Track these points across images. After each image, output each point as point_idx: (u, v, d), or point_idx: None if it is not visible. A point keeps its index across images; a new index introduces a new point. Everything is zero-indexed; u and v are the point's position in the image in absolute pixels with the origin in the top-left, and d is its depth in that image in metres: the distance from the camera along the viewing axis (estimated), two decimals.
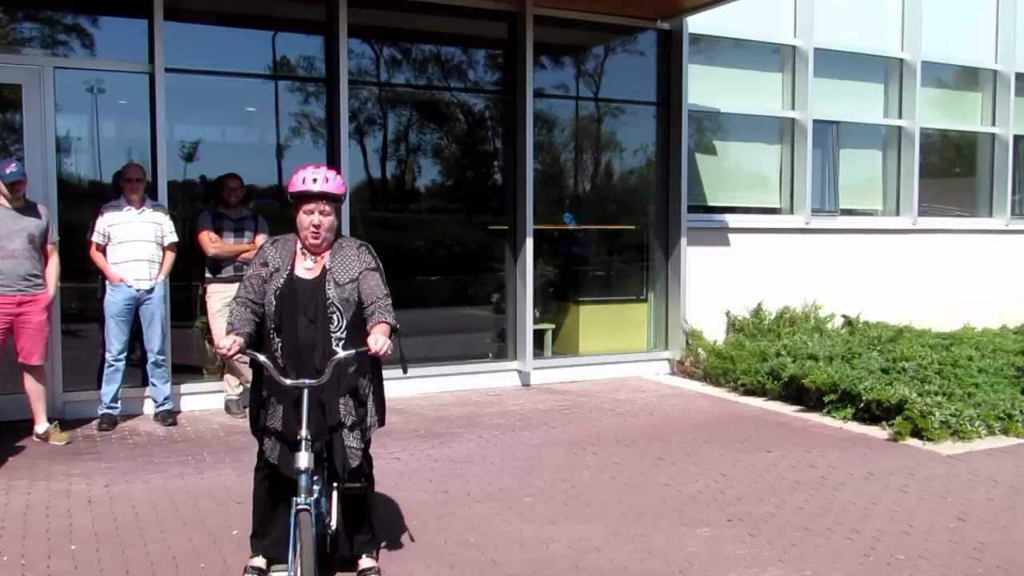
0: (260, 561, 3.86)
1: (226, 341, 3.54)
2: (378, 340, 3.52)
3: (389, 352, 3.57)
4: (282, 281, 3.69)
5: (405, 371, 3.90)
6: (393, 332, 3.64)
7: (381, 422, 3.92)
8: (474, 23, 8.35)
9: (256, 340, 3.71)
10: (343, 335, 3.66)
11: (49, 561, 4.08)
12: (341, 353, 3.57)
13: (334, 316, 3.67)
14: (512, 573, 4.02)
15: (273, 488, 3.79)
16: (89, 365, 6.87)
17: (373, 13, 7.86)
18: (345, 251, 3.80)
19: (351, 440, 3.72)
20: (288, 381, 3.52)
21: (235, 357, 3.56)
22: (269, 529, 3.83)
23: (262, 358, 3.56)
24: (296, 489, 3.45)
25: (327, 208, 3.69)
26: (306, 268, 3.74)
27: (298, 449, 3.48)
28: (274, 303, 3.66)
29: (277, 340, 3.67)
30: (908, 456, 5.99)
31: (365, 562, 3.93)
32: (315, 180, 3.66)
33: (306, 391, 3.51)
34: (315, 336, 3.64)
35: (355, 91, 7.81)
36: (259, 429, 3.81)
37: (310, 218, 3.68)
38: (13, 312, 5.87)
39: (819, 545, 4.36)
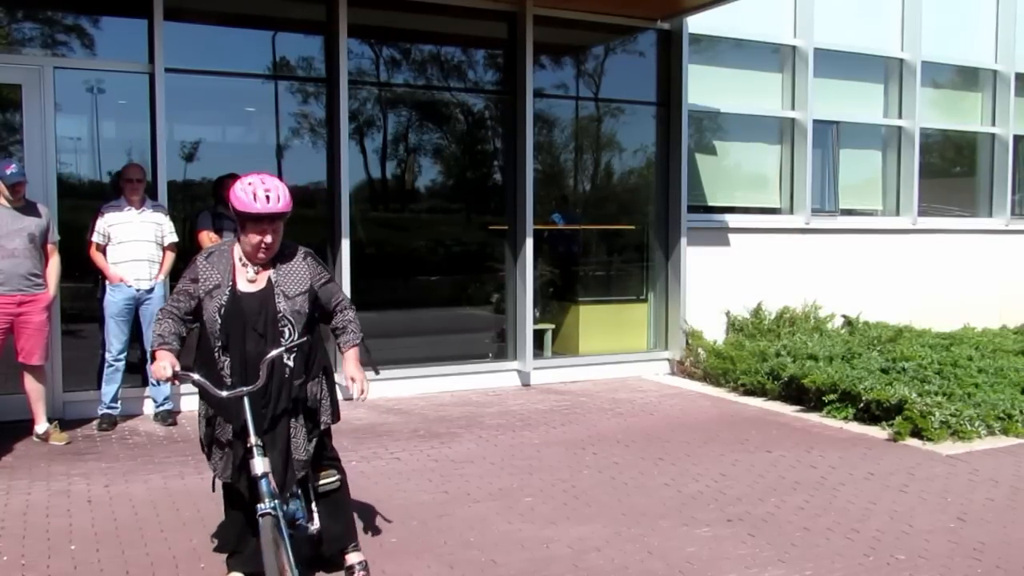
0: None
1: (159, 368, 3.41)
2: (358, 382, 3.62)
3: (366, 393, 3.65)
4: (225, 298, 3.53)
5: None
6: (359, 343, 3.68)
7: (335, 417, 3.85)
8: (474, 23, 8.35)
9: (200, 360, 3.63)
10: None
11: (49, 561, 4.08)
12: (272, 352, 3.45)
13: (285, 329, 3.56)
14: (512, 573, 4.02)
15: (243, 502, 3.69)
16: (89, 365, 6.87)
17: (373, 13, 7.86)
18: (291, 262, 3.66)
19: (296, 451, 3.64)
20: (224, 392, 3.42)
21: (174, 382, 3.46)
22: (245, 545, 3.74)
23: (195, 377, 3.45)
24: (258, 496, 3.37)
25: (278, 227, 3.54)
26: (249, 280, 3.60)
27: (251, 456, 3.40)
28: (219, 321, 3.52)
29: (224, 358, 3.55)
30: (908, 456, 5.99)
31: (352, 557, 3.90)
32: (268, 199, 3.45)
33: (246, 399, 3.42)
34: (265, 350, 3.51)
35: (355, 91, 7.81)
36: (207, 449, 3.74)
37: (263, 238, 3.51)
38: (13, 312, 5.88)
39: (819, 545, 4.36)
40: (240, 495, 3.69)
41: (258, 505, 3.35)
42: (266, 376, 3.43)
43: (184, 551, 4.19)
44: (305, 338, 3.59)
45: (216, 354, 3.55)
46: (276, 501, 3.37)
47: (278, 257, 3.64)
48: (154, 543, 4.30)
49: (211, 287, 3.56)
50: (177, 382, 3.48)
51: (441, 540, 4.39)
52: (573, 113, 8.97)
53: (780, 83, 10.06)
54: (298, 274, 3.64)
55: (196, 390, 3.63)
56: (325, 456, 3.87)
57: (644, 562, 4.14)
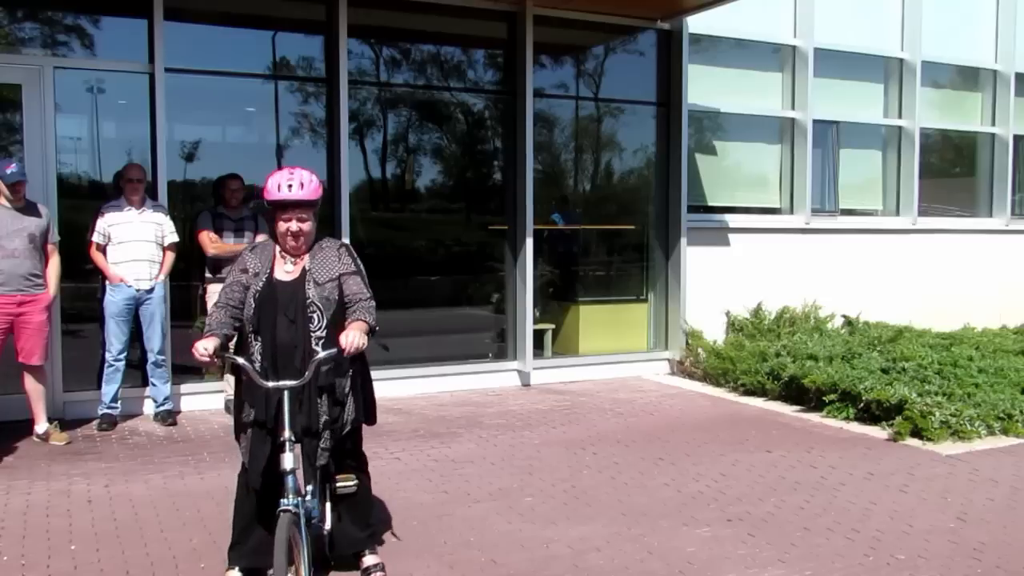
0: (236, 574, 3.80)
1: (202, 346, 3.44)
2: (349, 336, 3.47)
3: (361, 348, 3.51)
4: (261, 284, 3.66)
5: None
6: (372, 332, 3.62)
7: (368, 419, 3.89)
8: (474, 23, 8.35)
9: (236, 345, 3.70)
10: (323, 334, 3.63)
11: (49, 561, 4.08)
12: (322, 353, 3.53)
13: (314, 315, 3.64)
14: (512, 573, 4.02)
15: (256, 494, 3.72)
16: (89, 365, 6.87)
17: (373, 13, 7.86)
18: (325, 252, 3.77)
19: (322, 441, 3.68)
20: (269, 384, 3.49)
21: (213, 362, 3.49)
22: (248, 538, 3.77)
23: (240, 360, 3.53)
24: (282, 490, 3.41)
25: (304, 215, 3.65)
26: (286, 271, 3.71)
27: (282, 451, 3.44)
28: (253, 306, 3.63)
29: (256, 343, 3.64)
30: (908, 456, 5.99)
31: (369, 559, 3.93)
32: (290, 187, 3.60)
33: (286, 392, 3.47)
34: (296, 336, 3.61)
35: (355, 91, 7.81)
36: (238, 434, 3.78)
37: (288, 225, 3.64)
38: (14, 312, 5.88)
39: (819, 545, 4.36)
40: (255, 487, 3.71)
41: (281, 500, 3.39)
42: (312, 375, 3.49)
43: (184, 551, 4.19)
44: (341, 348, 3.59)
45: (249, 339, 3.66)
46: (299, 499, 3.41)
47: (316, 250, 3.76)
48: (154, 543, 4.30)
49: (253, 275, 3.70)
50: (217, 361, 3.52)
51: (441, 540, 4.39)
52: (573, 113, 8.97)
53: (780, 83, 10.06)
54: (330, 263, 3.74)
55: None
56: (350, 458, 3.87)
57: (644, 562, 4.14)
